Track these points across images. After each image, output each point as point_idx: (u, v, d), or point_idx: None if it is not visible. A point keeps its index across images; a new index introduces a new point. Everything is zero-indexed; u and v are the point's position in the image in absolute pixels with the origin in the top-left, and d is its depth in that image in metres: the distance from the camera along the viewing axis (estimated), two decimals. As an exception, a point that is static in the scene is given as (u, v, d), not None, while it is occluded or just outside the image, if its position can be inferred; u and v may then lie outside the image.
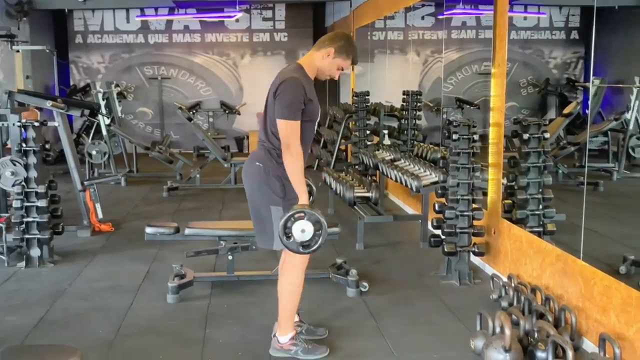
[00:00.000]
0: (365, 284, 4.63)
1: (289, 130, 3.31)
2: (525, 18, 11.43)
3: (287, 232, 3.27)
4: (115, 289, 4.77)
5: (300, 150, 3.33)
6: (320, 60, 3.48)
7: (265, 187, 3.42)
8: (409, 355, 3.65)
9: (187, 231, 4.71)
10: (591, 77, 8.33)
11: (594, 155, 8.05)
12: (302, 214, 3.26)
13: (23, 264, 5.27)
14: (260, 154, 3.49)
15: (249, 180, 3.52)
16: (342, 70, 3.57)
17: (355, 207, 6.08)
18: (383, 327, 4.02)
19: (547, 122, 4.88)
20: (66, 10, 12.45)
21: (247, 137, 12.79)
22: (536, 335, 3.42)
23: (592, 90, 7.97)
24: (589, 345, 3.58)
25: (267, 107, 3.47)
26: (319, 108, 3.49)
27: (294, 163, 3.33)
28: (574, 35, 11.31)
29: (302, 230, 3.25)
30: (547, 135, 4.73)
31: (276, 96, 3.34)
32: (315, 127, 3.56)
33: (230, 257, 4.75)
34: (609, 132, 7.78)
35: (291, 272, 3.52)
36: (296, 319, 3.76)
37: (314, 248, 3.32)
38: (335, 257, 5.02)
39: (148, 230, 4.80)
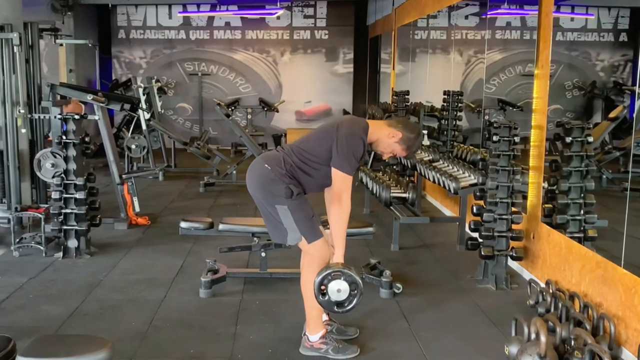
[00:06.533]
0: (399, 285, 4.57)
1: (344, 184, 3.37)
2: (572, 19, 11.20)
3: (322, 290, 3.29)
4: (150, 282, 4.80)
5: (349, 206, 3.39)
6: (384, 135, 3.52)
7: (267, 189, 3.44)
8: (441, 359, 3.58)
9: (220, 227, 4.72)
10: (638, 81, 8.11)
11: (640, 161, 7.83)
12: (339, 274, 3.27)
13: (60, 254, 5.34)
14: (273, 157, 3.51)
15: (253, 179, 3.54)
16: (394, 155, 3.65)
17: (391, 207, 6.02)
18: (415, 330, 3.96)
19: (592, 126, 4.74)
20: (110, 5, 12.67)
21: (285, 135, 12.80)
22: (573, 343, 3.32)
23: (637, 94, 7.76)
24: (628, 356, 3.47)
25: (319, 132, 3.53)
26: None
27: (341, 216, 3.38)
28: (623, 37, 11.04)
29: (338, 290, 3.29)
30: (590, 139, 4.60)
31: (338, 139, 3.36)
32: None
33: (263, 254, 4.75)
34: (656, 137, 7.56)
35: (312, 271, 3.49)
36: (326, 318, 3.74)
37: (348, 308, 3.34)
38: (369, 257, 4.98)
39: (183, 224, 4.82)
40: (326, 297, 3.30)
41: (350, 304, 3.31)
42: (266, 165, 3.47)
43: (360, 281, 3.30)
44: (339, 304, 3.31)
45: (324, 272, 3.28)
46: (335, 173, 3.37)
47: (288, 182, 3.40)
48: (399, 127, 3.52)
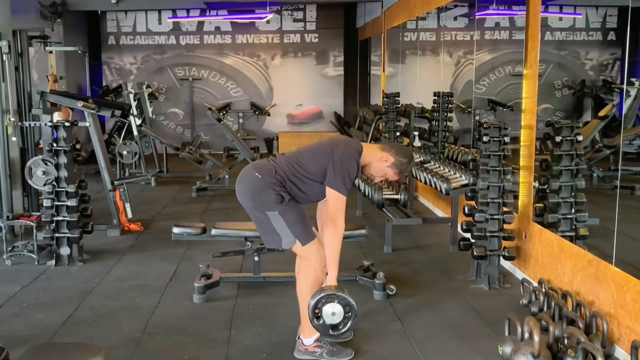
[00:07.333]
0: (392, 287, 4.58)
1: (338, 204, 3.38)
2: (560, 19, 11.25)
3: (317, 314, 3.30)
4: (143, 288, 4.79)
5: (343, 227, 3.39)
6: (376, 159, 3.54)
7: (258, 198, 3.45)
8: (435, 360, 3.60)
9: (213, 232, 4.72)
10: (625, 79, 8.17)
11: (631, 158, 7.88)
12: (333, 297, 3.29)
13: (53, 262, 5.32)
14: (265, 167, 3.53)
15: (242, 187, 3.55)
16: (386, 179, 3.68)
17: (383, 209, 6.03)
18: (410, 331, 3.97)
19: (581, 125, 4.77)
20: (99, 12, 12.63)
21: (277, 138, 12.81)
22: (566, 341, 3.34)
23: (625, 92, 7.81)
24: (621, 353, 3.49)
25: (314, 148, 3.56)
26: None
27: (336, 238, 3.37)
28: (611, 36, 11.10)
29: (333, 313, 3.30)
30: (580, 137, 4.63)
31: (334, 160, 3.37)
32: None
33: (256, 258, 4.75)
34: (646, 135, 7.61)
35: (308, 274, 3.51)
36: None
37: (343, 331, 3.36)
38: (362, 260, 4.99)
39: (175, 230, 4.81)
40: (321, 321, 3.31)
41: (345, 326, 3.33)
42: (257, 174, 3.48)
43: (354, 303, 3.32)
44: (334, 326, 3.32)
45: (318, 296, 3.29)
46: (330, 192, 3.39)
47: (279, 190, 3.42)
48: (391, 152, 3.55)
